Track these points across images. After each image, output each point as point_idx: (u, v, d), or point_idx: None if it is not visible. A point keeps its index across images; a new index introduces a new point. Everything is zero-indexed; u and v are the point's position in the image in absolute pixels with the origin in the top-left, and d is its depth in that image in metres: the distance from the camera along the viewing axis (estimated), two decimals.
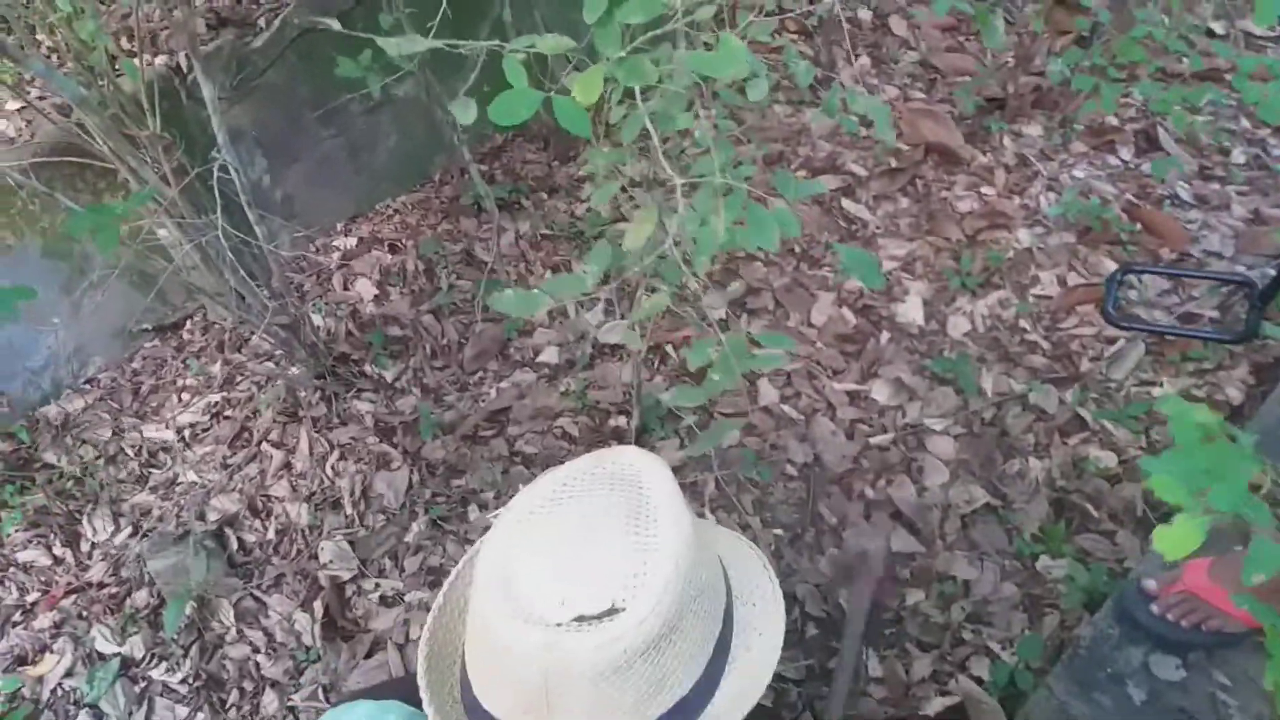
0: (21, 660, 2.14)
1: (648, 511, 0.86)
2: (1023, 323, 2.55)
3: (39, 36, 2.48)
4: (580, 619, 0.78)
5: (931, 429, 2.33)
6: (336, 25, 1.42)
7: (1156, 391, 2.36)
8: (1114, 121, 3.06)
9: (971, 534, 2.15)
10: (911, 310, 2.58)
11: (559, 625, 0.78)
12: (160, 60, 2.38)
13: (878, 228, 2.83)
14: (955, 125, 3.06)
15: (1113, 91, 2.35)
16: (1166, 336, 2.43)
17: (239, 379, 2.58)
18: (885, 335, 2.54)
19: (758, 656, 0.95)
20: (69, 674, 2.10)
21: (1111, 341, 2.48)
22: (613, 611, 0.78)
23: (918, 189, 2.94)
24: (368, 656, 2.07)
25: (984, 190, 2.90)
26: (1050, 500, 2.19)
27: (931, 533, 2.16)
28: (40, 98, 2.30)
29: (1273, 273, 2.08)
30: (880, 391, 2.41)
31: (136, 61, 1.85)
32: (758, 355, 1.34)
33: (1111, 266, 2.63)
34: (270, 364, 2.57)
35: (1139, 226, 2.74)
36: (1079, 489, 2.20)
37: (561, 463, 2.28)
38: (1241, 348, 2.38)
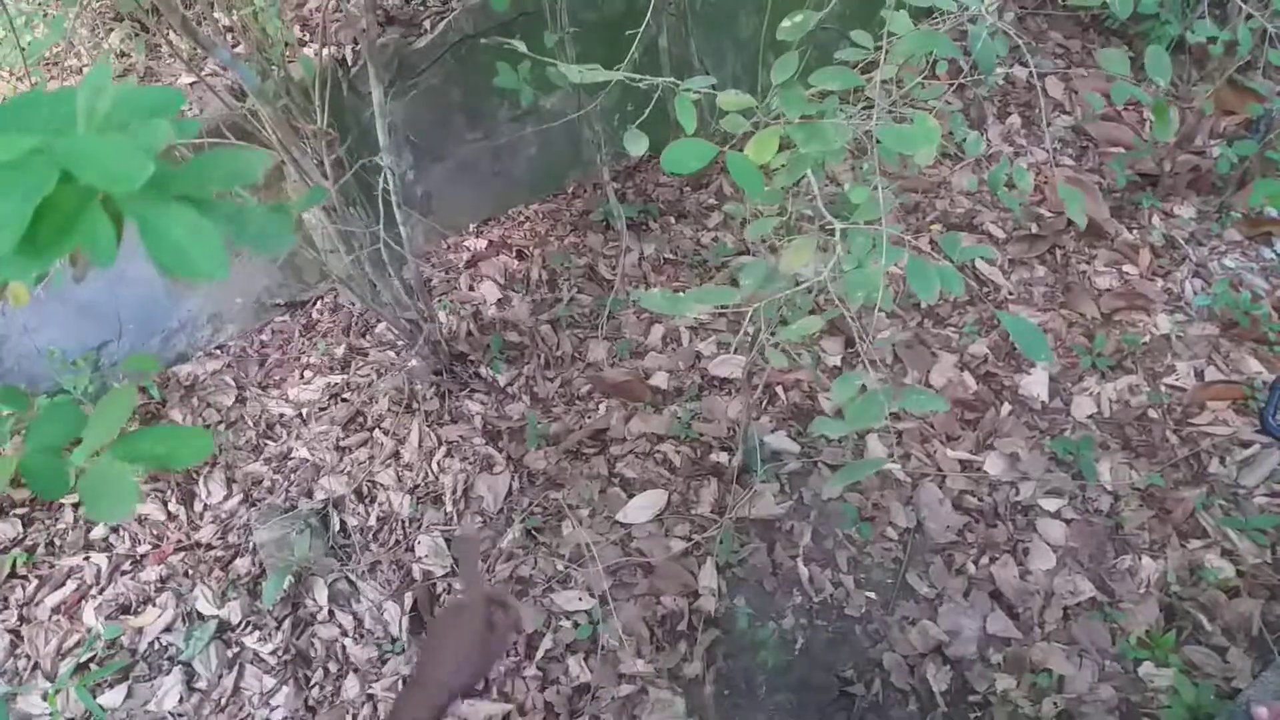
0: (125, 609, 2.23)
1: None
2: (1152, 413, 2.44)
3: (217, 14, 2.60)
4: None
5: (1044, 511, 2.26)
6: (522, 46, 1.45)
7: None
8: (1273, 213, 2.91)
9: (1072, 627, 2.08)
10: (1036, 384, 2.51)
11: None
12: (326, 53, 2.47)
13: (1010, 294, 2.76)
14: (1103, 197, 2.96)
15: None
16: None
17: (360, 364, 2.66)
18: (1006, 407, 2.47)
19: None
20: (168, 629, 2.19)
21: (1246, 445, 2.36)
22: None
23: (1056, 259, 2.85)
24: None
25: (1126, 269, 2.79)
26: (1161, 604, 2.09)
27: (1030, 620, 2.09)
28: (212, 74, 2.41)
29: None
30: (994, 464, 2.35)
31: (311, 55, 1.92)
32: (909, 398, 1.32)
33: (1254, 366, 2.51)
34: (391, 353, 2.64)
35: None
36: (1193, 597, 2.10)
37: (659, 489, 2.28)
38: None
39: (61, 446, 0.76)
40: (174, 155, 2.29)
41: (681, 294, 1.31)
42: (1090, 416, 2.45)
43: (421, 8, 2.61)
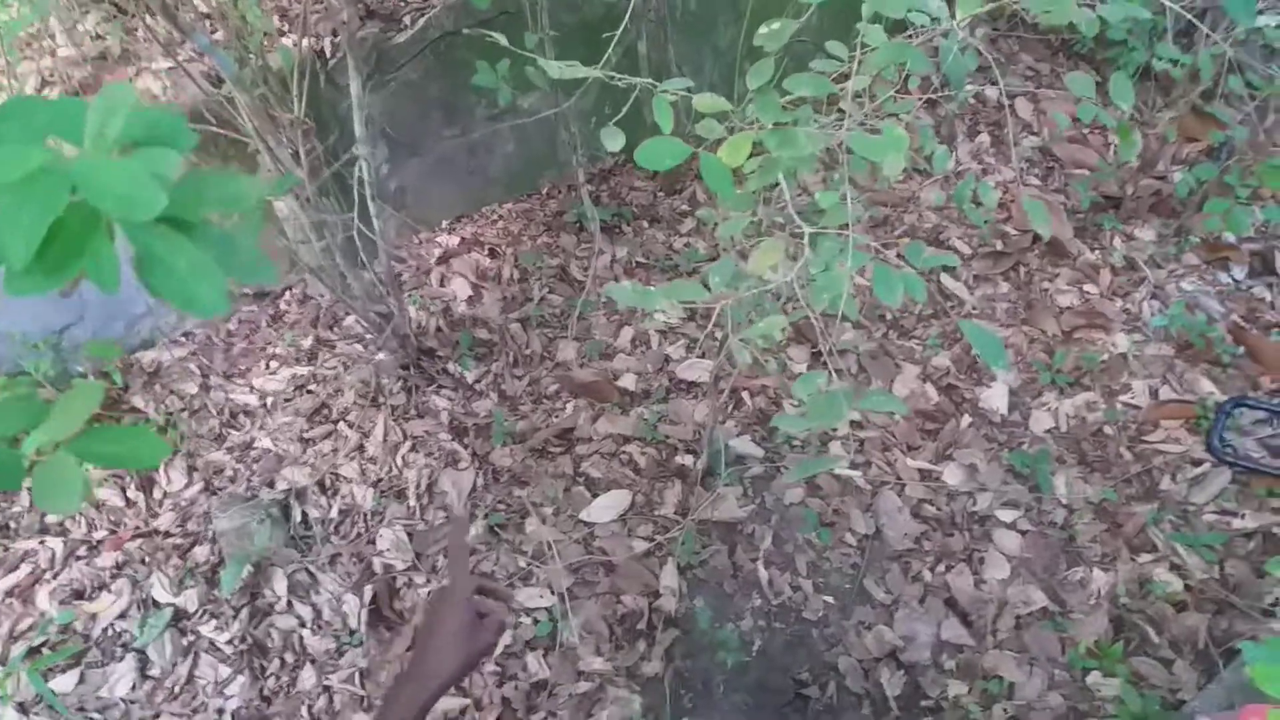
0: (79, 595, 2.21)
1: None
2: (1107, 429, 2.50)
3: (195, 0, 2.59)
4: None
5: (1000, 522, 2.30)
6: (503, 40, 1.46)
7: (1236, 523, 2.30)
8: (1231, 239, 2.99)
9: (1024, 636, 2.12)
10: (996, 398, 2.56)
11: None
12: (305, 43, 2.47)
13: (974, 308, 2.81)
14: (1067, 218, 3.02)
15: (1244, 216, 2.31)
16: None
17: (327, 356, 2.65)
18: (966, 419, 2.52)
19: None
20: (122, 616, 2.17)
21: (1196, 463, 2.42)
22: None
23: (1020, 275, 2.91)
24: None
25: (1087, 288, 2.85)
26: (1110, 616, 2.14)
27: (984, 628, 2.13)
28: (189, 60, 2.39)
29: None
30: (953, 475, 2.39)
31: (291, 45, 1.92)
32: (868, 398, 1.34)
33: (1208, 386, 2.57)
34: (359, 346, 2.64)
35: (1242, 350, 2.67)
36: (1142, 610, 2.15)
37: (624, 489, 2.30)
38: None
39: (16, 436, 0.75)
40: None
41: (651, 288, 1.32)
42: (1048, 431, 2.50)
43: (402, 3, 2.61)
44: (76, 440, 0.71)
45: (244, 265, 0.65)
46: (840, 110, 1.59)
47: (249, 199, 0.67)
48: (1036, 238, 2.97)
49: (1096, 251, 2.97)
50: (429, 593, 2.18)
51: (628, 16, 1.60)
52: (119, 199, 0.53)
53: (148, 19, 2.28)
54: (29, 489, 2.11)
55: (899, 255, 2.89)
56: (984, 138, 3.37)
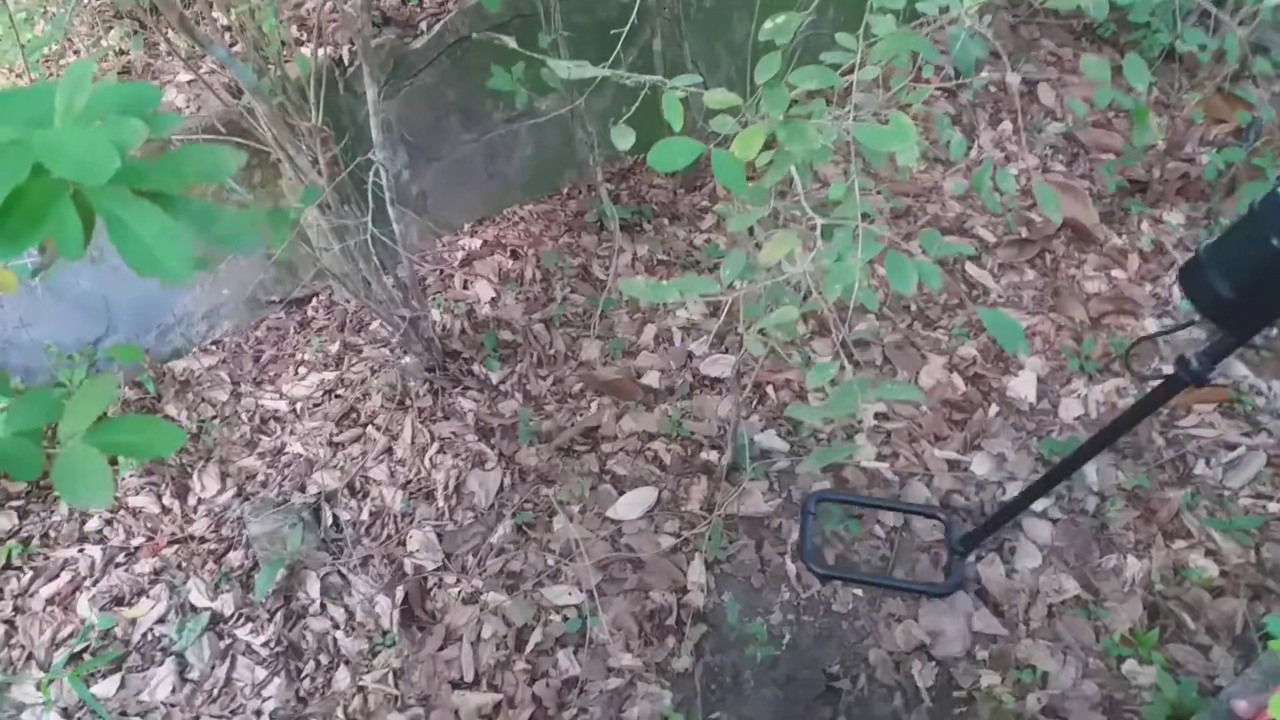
0: (118, 601, 2.25)
1: None
2: None
3: (215, 13, 2.62)
4: None
5: (1030, 510, 2.28)
6: (512, 43, 1.48)
7: (1272, 507, 2.27)
8: None
9: (1057, 625, 2.10)
10: (1024, 386, 2.53)
11: None
12: (322, 52, 2.50)
13: (999, 297, 2.78)
14: (1093, 203, 2.99)
15: None
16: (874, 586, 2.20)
17: (354, 361, 2.68)
18: (994, 408, 2.50)
19: None
20: (161, 620, 2.21)
21: (1231, 447, 2.39)
22: None
23: (1046, 263, 2.88)
24: (440, 650, 2.12)
25: (1115, 273, 2.82)
26: (1145, 603, 2.12)
27: (1016, 617, 2.12)
28: (210, 72, 2.43)
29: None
30: (981, 465, 2.37)
31: (307, 53, 1.94)
32: (885, 388, 1.32)
33: (1241, 370, 2.54)
34: (386, 351, 2.67)
35: (1275, 333, 2.63)
36: (1177, 596, 2.12)
37: (650, 486, 2.29)
38: None
39: (39, 430, 0.77)
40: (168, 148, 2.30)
41: (664, 282, 1.33)
42: (1078, 418, 2.48)
43: (418, 9, 2.64)
44: (93, 431, 0.73)
45: (225, 234, 0.67)
46: (855, 102, 1.58)
47: (229, 168, 0.69)
48: (1062, 225, 2.94)
49: (1124, 236, 2.93)
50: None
51: (634, 14, 1.61)
52: (75, 164, 0.55)
53: (169, 34, 2.32)
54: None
55: (922, 249, 2.87)
56: (1006, 125, 3.34)
